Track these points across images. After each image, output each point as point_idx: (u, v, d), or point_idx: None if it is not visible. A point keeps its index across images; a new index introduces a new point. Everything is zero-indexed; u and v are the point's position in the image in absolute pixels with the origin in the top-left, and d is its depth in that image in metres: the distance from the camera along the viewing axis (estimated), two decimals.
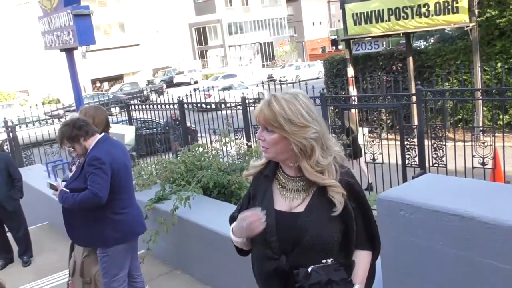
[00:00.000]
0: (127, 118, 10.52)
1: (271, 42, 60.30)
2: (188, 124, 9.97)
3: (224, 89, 22.78)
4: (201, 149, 5.14)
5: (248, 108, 8.17)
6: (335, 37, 63.20)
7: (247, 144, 5.59)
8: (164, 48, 49.88)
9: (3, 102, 35.01)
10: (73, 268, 3.83)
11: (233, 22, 56.67)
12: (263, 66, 55.39)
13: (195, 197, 4.32)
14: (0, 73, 37.06)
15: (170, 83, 42.84)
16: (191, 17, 56.09)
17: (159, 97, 27.46)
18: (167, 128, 10.55)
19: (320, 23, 68.56)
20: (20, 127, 9.62)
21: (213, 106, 9.21)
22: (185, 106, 9.31)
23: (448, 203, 2.41)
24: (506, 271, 2.15)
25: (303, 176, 1.81)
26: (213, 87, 12.35)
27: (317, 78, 32.74)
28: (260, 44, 59.55)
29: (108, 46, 41.84)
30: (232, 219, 2.02)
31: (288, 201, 1.84)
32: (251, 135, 8.05)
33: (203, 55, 56.87)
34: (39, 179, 7.50)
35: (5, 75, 37.07)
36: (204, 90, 10.67)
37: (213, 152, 5.18)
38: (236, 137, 7.48)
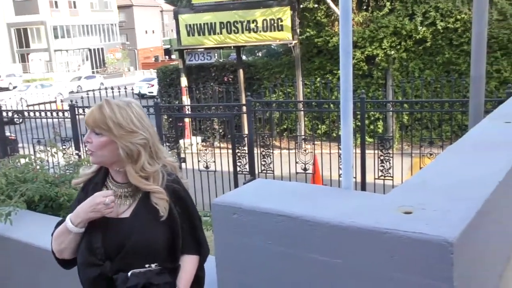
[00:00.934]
0: None
1: (102, 49, 57.97)
2: (7, 133, 9.07)
3: None
4: (24, 160, 4.72)
5: (78, 116, 7.75)
6: (168, 46, 63.39)
7: (77, 154, 5.30)
8: None
9: None
10: None
11: (59, 25, 53.11)
12: (93, 72, 52.93)
13: (18, 212, 3.95)
14: None
15: None
16: (9, 17, 51.00)
17: None
18: None
19: (153, 31, 68.11)
20: None
21: (38, 114, 8.52)
22: (4, 113, 8.46)
23: (275, 205, 2.60)
24: (325, 262, 2.40)
25: (127, 183, 1.86)
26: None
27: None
28: (90, 50, 56.80)
29: None
30: (60, 223, 1.98)
31: (115, 207, 1.86)
32: (81, 145, 7.65)
33: (24, 58, 52.18)
34: None
35: None
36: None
37: (39, 163, 4.80)
38: (64, 146, 7.04)
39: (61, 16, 53.21)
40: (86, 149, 1.87)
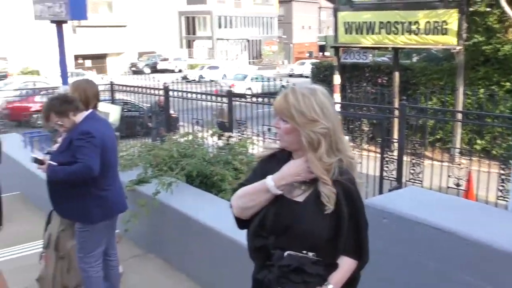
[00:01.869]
0: (110, 98, 10.40)
1: (259, 40, 60.35)
2: (171, 111, 9.91)
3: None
4: (189, 137, 5.14)
5: (233, 102, 8.16)
6: (323, 43, 63.61)
7: (230, 137, 5.62)
8: (151, 33, 49.31)
9: None
10: (48, 240, 3.79)
11: (223, 15, 56.47)
12: (250, 63, 55.41)
13: (179, 184, 4.34)
14: None
15: (153, 69, 42.46)
16: (181, 5, 55.69)
17: None
18: (150, 113, 10.45)
19: (310, 27, 68.94)
20: None
21: (199, 96, 9.18)
22: (170, 93, 9.26)
23: (429, 216, 2.49)
24: (476, 285, 2.23)
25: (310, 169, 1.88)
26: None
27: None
28: (248, 40, 59.52)
29: (94, 23, 41.10)
30: (241, 185, 2.08)
31: (291, 189, 1.92)
32: (233, 129, 8.04)
33: (190, 44, 56.52)
34: (15, 148, 7.38)
35: None
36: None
37: (200, 141, 5.19)
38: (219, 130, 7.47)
39: (226, 7, 56.56)
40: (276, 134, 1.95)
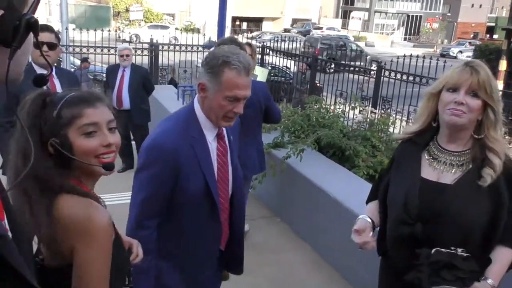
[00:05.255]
0: (259, 60, 10.65)
1: (420, 16, 56.79)
2: (316, 80, 9.84)
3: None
4: (329, 107, 5.07)
5: (383, 77, 7.81)
6: (493, 24, 57.81)
7: (373, 112, 5.41)
8: (310, 0, 49.31)
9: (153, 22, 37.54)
10: None
11: None
12: (405, 39, 52.63)
13: (310, 152, 4.31)
14: None
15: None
16: None
17: None
18: (299, 79, 10.49)
19: (481, 6, 62.83)
20: (162, 47, 10.17)
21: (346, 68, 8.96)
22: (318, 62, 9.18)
23: None
24: None
25: (463, 151, 1.76)
26: None
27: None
28: (408, 16, 56.37)
29: None
30: (372, 193, 2.09)
31: (437, 172, 1.79)
32: (378, 106, 7.72)
33: (345, 15, 55.35)
34: (167, 99, 7.96)
35: None
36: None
37: (340, 112, 5.08)
38: (362, 104, 7.23)
39: None
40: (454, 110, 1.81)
